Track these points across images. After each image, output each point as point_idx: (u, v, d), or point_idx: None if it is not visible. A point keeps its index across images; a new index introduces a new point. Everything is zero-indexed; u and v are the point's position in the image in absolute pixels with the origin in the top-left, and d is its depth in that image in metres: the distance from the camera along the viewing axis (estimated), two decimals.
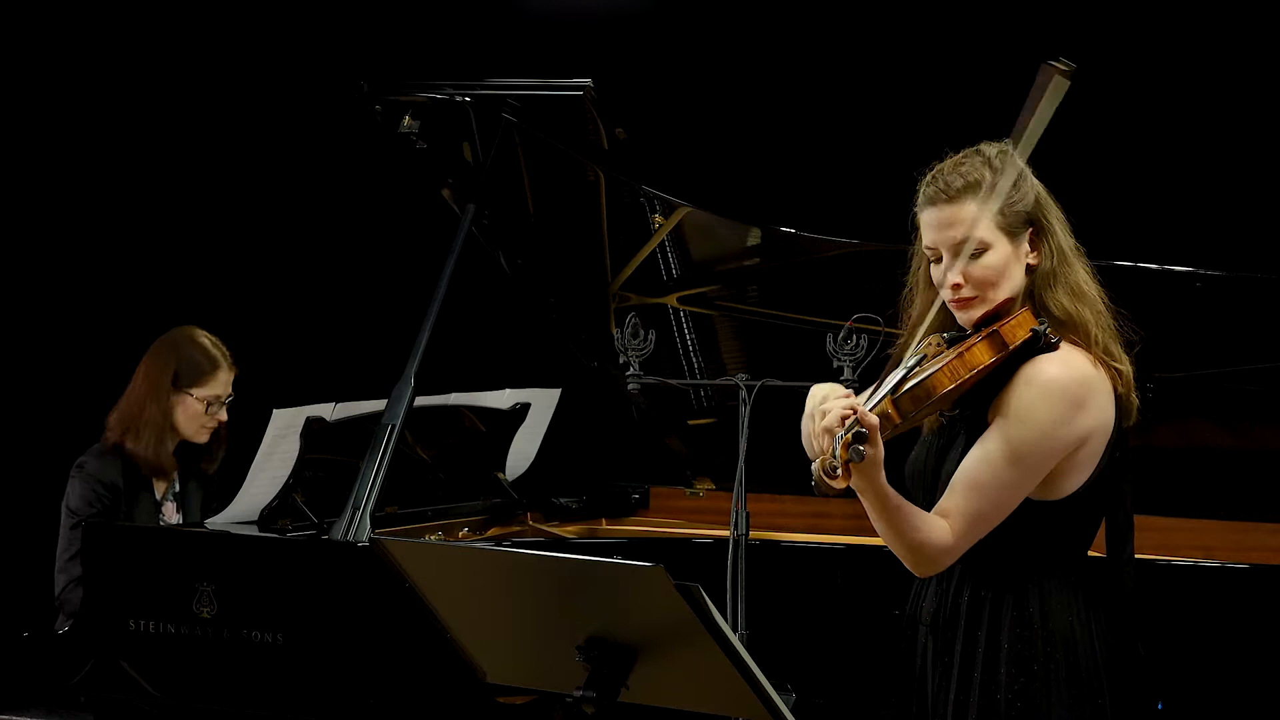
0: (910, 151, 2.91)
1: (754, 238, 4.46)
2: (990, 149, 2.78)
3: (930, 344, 2.75)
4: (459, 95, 4.44)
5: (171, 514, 4.49)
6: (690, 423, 4.79)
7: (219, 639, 3.89)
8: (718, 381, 4.28)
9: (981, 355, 2.67)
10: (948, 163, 2.78)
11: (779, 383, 3.62)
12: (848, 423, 2.54)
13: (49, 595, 4.41)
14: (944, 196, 2.73)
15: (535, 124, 4.41)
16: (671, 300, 4.61)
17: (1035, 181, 2.79)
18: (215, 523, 4.23)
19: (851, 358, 3.49)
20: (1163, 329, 3.12)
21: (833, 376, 3.63)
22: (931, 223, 2.75)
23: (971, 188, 2.72)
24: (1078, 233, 2.84)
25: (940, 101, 5.37)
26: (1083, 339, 2.75)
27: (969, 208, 2.71)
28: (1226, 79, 5.23)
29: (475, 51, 5.75)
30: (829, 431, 2.56)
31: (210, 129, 5.87)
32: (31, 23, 5.74)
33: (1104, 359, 2.75)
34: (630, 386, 3.93)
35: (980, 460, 2.70)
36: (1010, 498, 2.70)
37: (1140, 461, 4.04)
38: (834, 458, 2.54)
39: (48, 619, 4.34)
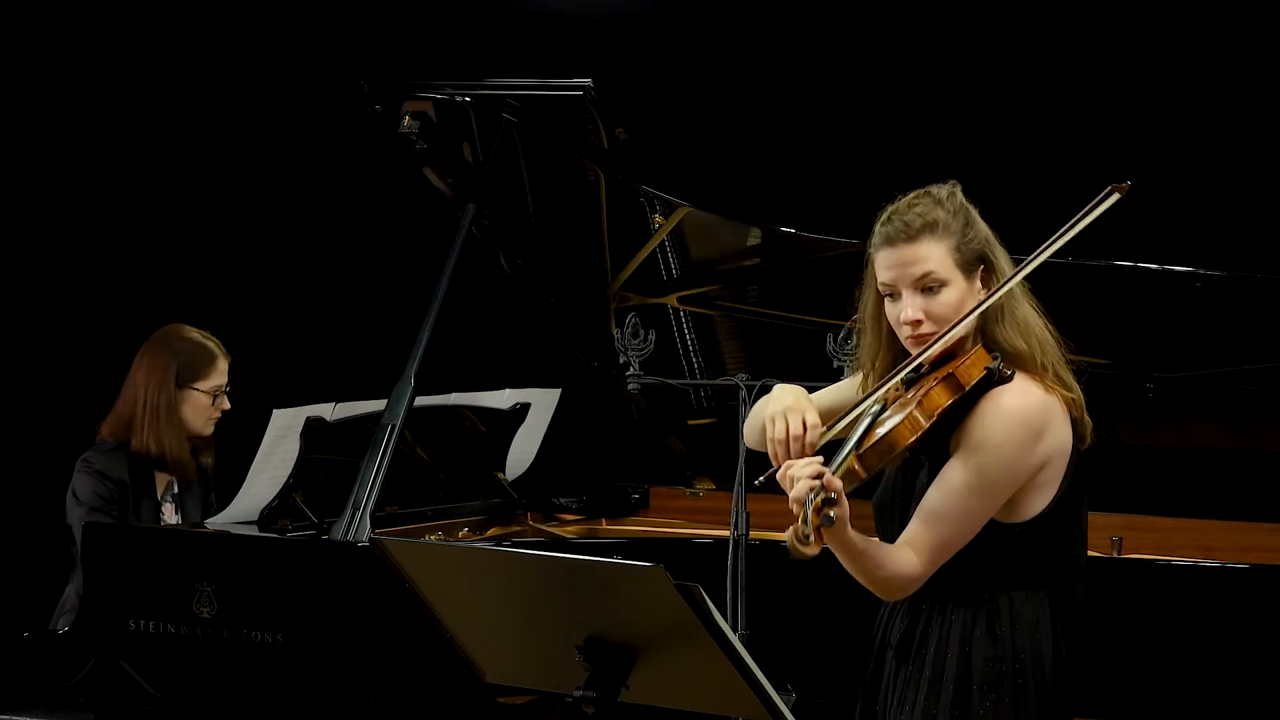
0: (909, 151, 2.92)
1: (754, 238, 4.46)
2: (940, 190, 2.85)
3: (889, 389, 2.79)
4: (459, 95, 4.44)
5: (170, 514, 4.49)
6: (690, 423, 4.79)
7: (219, 639, 3.89)
8: (718, 381, 4.27)
9: (939, 399, 2.73)
10: (901, 204, 2.85)
11: (779, 383, 3.62)
12: (815, 488, 2.57)
13: (49, 595, 4.41)
14: (903, 236, 2.80)
15: (535, 124, 4.41)
16: (671, 300, 4.61)
17: (983, 223, 2.86)
18: (215, 523, 4.23)
19: (851, 358, 3.48)
20: (1162, 329, 3.12)
21: (834, 376, 3.63)
22: (890, 262, 2.81)
23: (930, 226, 2.79)
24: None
25: (939, 102, 5.37)
26: (1034, 369, 2.80)
27: (928, 246, 2.78)
28: (1226, 79, 5.23)
29: (475, 51, 5.75)
30: (798, 501, 2.59)
31: (211, 129, 5.86)
32: (30, 21, 5.74)
33: (1055, 386, 2.80)
34: (630, 386, 3.93)
35: (944, 490, 2.75)
36: (973, 525, 2.76)
37: (1140, 461, 4.04)
38: (805, 525, 2.56)
39: (48, 619, 4.34)
